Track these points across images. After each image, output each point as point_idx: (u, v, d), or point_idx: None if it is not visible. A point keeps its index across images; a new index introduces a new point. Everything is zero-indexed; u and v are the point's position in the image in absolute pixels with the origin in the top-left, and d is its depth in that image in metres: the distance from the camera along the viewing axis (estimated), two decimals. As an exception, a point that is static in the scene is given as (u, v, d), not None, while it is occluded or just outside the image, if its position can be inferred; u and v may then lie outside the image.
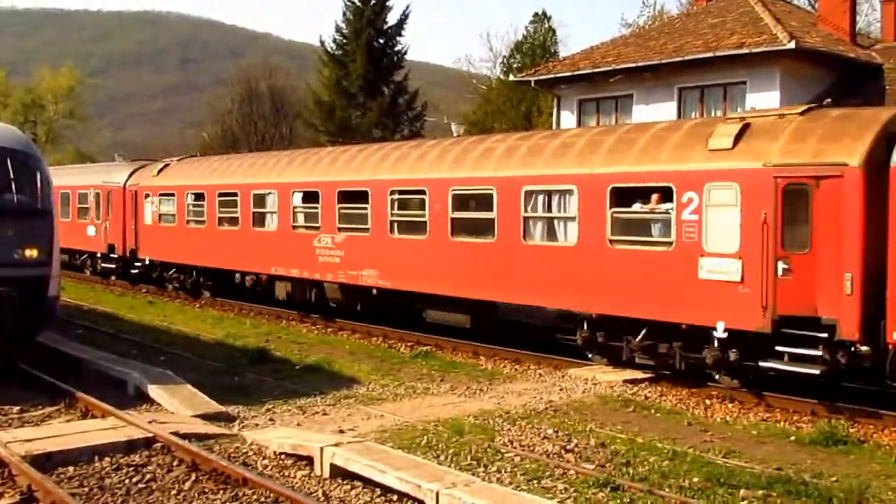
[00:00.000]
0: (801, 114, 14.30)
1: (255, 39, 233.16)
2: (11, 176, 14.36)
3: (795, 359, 13.39)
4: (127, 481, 9.60)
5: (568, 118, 30.28)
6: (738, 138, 14.30)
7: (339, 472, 9.74)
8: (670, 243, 14.80)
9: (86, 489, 9.35)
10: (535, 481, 9.69)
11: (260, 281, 25.17)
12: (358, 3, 52.72)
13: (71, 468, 9.97)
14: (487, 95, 62.50)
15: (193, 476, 9.75)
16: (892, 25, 29.95)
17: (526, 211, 17.14)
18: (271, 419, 12.71)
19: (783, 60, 24.66)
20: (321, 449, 10.00)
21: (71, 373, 15.29)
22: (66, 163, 65.33)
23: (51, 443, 10.56)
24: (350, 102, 52.99)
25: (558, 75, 30.08)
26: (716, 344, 14.28)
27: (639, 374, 15.80)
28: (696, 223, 14.43)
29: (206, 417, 12.41)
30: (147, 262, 30.10)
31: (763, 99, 24.49)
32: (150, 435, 10.96)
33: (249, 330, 21.95)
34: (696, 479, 9.82)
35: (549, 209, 16.92)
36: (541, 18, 62.69)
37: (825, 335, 12.99)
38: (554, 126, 31.59)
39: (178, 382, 14.09)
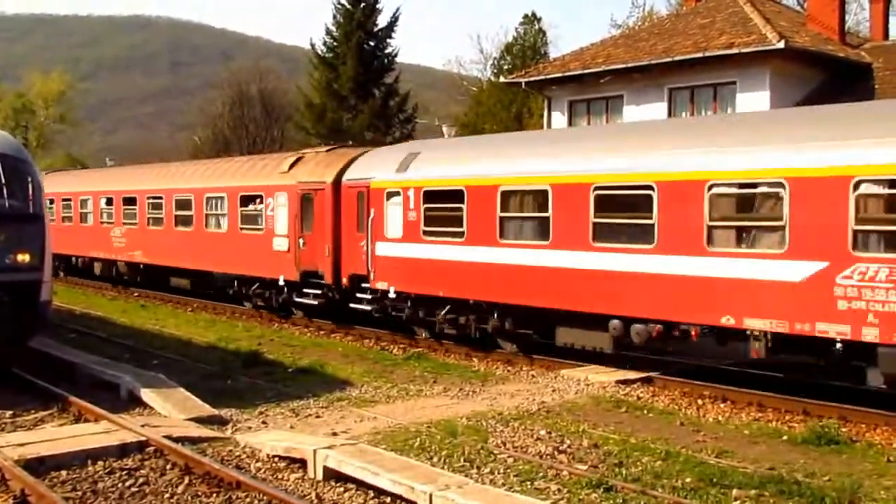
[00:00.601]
0: (327, 152, 23.62)
1: (245, 43, 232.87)
2: (3, 181, 14.33)
3: (313, 297, 22.32)
4: (120, 485, 9.59)
5: (559, 119, 30.33)
6: (292, 165, 23.38)
7: (332, 475, 9.74)
8: (262, 229, 23.92)
9: (79, 493, 9.34)
10: (528, 482, 9.70)
11: (85, 262, 34.30)
12: (348, 6, 52.72)
13: (64, 472, 9.95)
14: (478, 97, 62.51)
15: (186, 479, 9.74)
16: (881, 24, 30.13)
17: (206, 209, 26.54)
18: (264, 422, 12.70)
19: (773, 60, 24.74)
20: (314, 451, 10.00)
21: (64, 377, 15.26)
22: (57, 167, 65.11)
23: (44, 447, 10.53)
24: (341, 105, 53.00)
25: (548, 77, 30.13)
26: (285, 290, 23.23)
27: (631, 375, 15.84)
28: (272, 217, 23.51)
29: (199, 421, 12.39)
30: None
31: (753, 99, 24.58)
32: (143, 438, 10.93)
33: (242, 333, 21.94)
34: (688, 480, 9.84)
35: (216, 208, 26.09)
36: (531, 20, 62.80)
37: (323, 282, 21.76)
38: (545, 127, 31.63)
39: (170, 386, 14.07)
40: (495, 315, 17.70)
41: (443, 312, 18.63)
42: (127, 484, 9.63)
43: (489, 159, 17.95)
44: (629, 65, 27.30)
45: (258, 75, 77.02)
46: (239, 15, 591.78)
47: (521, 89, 39.29)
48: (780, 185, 12.97)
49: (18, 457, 10.02)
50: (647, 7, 74.00)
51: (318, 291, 22.08)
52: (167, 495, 9.30)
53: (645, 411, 13.66)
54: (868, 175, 12.16)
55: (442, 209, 18.47)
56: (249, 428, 12.29)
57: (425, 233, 18.69)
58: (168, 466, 10.21)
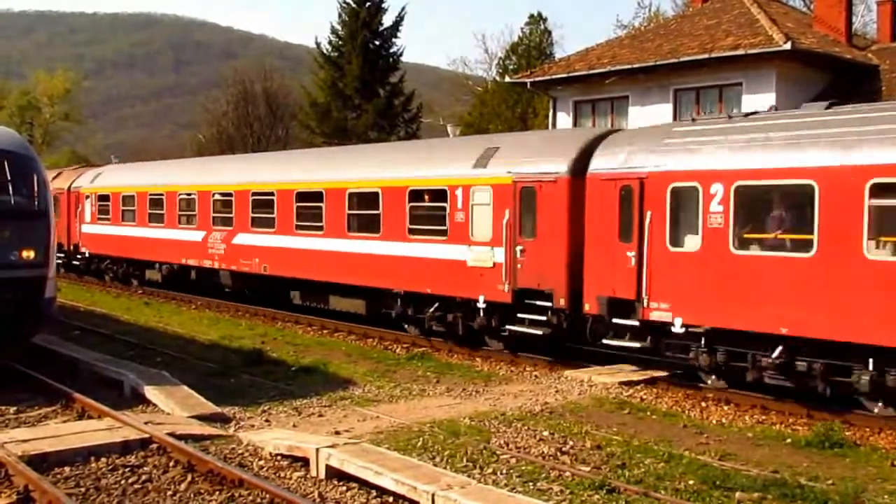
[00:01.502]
0: (74, 169, 38.15)
1: (250, 41, 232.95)
2: (8, 178, 14.37)
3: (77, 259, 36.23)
4: (123, 482, 9.61)
5: (564, 119, 30.30)
6: (55, 178, 34.08)
7: (334, 474, 9.74)
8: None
9: (82, 489, 9.36)
10: (530, 483, 9.70)
11: None
12: (353, 5, 52.68)
13: (67, 468, 9.99)
14: (483, 97, 62.43)
15: (189, 477, 9.75)
16: (888, 26, 30.05)
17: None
18: (267, 420, 12.71)
19: (779, 62, 24.71)
20: (317, 450, 10.00)
21: (67, 374, 15.31)
22: (62, 164, 65.21)
23: (47, 443, 10.57)
24: (345, 104, 52.97)
25: (554, 77, 30.10)
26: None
27: (634, 377, 15.83)
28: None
29: (202, 418, 12.41)
30: None
31: (759, 100, 24.49)
32: (146, 436, 10.96)
33: (245, 331, 21.95)
34: (691, 482, 9.83)
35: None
36: (536, 20, 62.71)
37: (80, 251, 35.18)
38: (550, 127, 31.60)
39: (173, 383, 14.09)
40: (125, 265, 32.11)
41: (105, 263, 33.19)
42: (130, 481, 9.65)
43: (113, 178, 32.95)
44: (634, 65, 27.27)
45: (263, 74, 77.04)
46: (244, 13, 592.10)
47: (526, 89, 39.27)
48: (194, 194, 27.18)
49: (22, 453, 10.06)
50: (653, 8, 73.89)
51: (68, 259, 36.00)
52: (170, 492, 9.32)
53: (648, 413, 13.65)
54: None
55: (103, 205, 32.60)
56: (252, 426, 12.30)
57: (98, 218, 32.87)
58: (171, 464, 10.23)
